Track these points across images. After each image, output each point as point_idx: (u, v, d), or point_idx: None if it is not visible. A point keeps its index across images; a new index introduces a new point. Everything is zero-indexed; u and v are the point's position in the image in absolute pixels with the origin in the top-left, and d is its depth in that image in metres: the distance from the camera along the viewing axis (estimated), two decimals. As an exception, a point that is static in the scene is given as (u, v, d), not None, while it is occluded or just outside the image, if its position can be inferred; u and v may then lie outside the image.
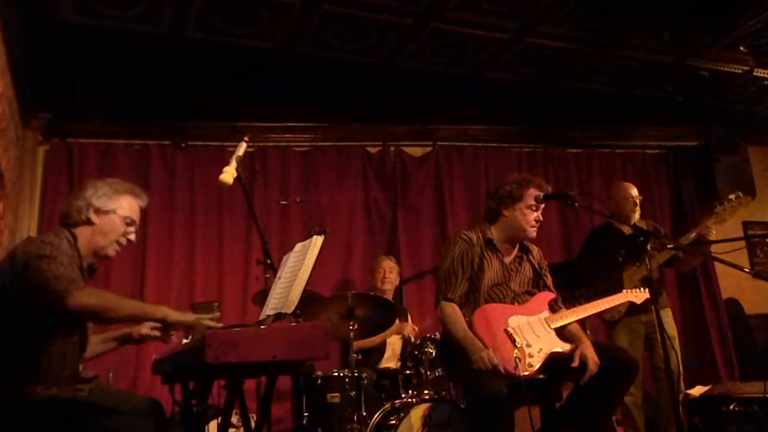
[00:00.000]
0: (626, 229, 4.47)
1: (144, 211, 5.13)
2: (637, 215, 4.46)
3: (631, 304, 3.68)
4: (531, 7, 4.64)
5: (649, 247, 4.35)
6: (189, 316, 2.34)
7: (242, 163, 2.53)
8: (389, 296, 4.77)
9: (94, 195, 2.48)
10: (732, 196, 4.13)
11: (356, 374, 3.73)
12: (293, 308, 2.27)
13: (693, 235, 4.15)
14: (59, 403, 2.23)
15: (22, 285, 2.22)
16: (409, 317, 4.85)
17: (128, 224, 2.54)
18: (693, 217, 6.12)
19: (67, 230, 2.44)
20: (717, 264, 5.93)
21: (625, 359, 3.00)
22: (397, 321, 4.34)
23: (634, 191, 4.51)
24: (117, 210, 2.51)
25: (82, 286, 2.22)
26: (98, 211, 2.47)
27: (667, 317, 4.34)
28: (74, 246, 2.40)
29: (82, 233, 2.45)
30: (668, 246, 4.02)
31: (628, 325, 4.38)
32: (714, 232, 4.13)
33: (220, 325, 2.31)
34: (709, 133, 6.36)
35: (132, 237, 2.56)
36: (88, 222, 2.46)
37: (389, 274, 4.84)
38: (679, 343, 5.84)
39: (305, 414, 3.79)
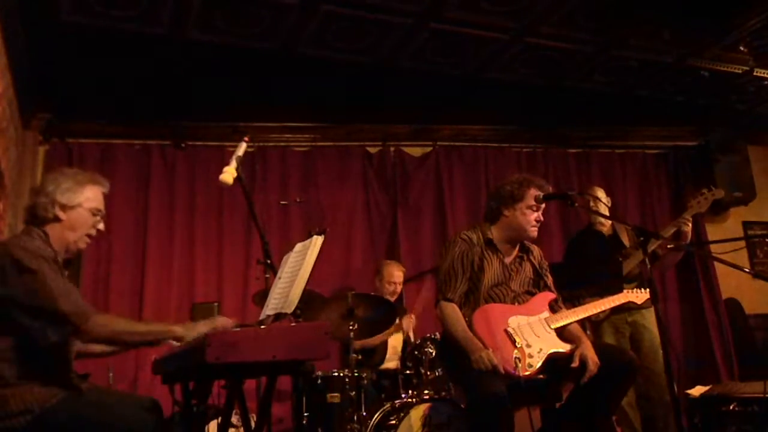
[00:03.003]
0: (606, 231, 4.60)
1: (144, 212, 5.20)
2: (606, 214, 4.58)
3: None
4: (531, 7, 4.65)
5: (628, 246, 4.43)
6: (194, 330, 2.30)
7: (242, 163, 2.53)
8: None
9: (57, 190, 2.43)
10: (705, 190, 4.26)
11: (356, 374, 3.73)
12: (293, 308, 2.27)
13: (671, 230, 4.19)
14: (58, 400, 2.23)
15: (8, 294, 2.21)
16: (408, 311, 4.84)
17: (95, 215, 2.51)
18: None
19: (38, 228, 2.41)
20: (717, 264, 5.94)
21: (625, 360, 2.99)
22: (397, 322, 4.35)
23: (600, 193, 4.63)
24: (83, 203, 2.47)
25: (85, 318, 2.20)
26: (64, 207, 2.43)
27: (651, 316, 4.34)
28: (47, 243, 2.38)
29: (52, 230, 2.42)
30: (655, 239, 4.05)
31: (613, 324, 4.41)
32: (690, 225, 4.16)
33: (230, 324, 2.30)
34: (709, 133, 6.36)
35: (101, 227, 2.53)
36: (56, 219, 2.42)
37: (399, 287, 4.79)
38: (679, 343, 5.92)
39: (305, 414, 3.79)
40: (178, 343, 2.35)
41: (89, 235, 2.51)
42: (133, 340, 2.38)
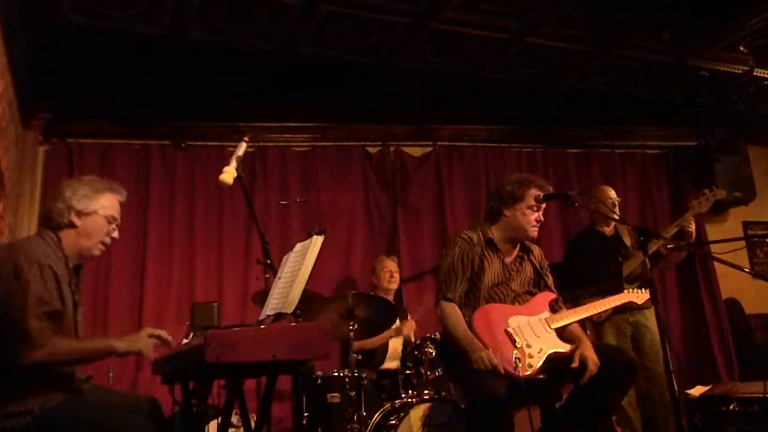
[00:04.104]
0: (608, 231, 4.60)
1: (144, 211, 5.21)
2: (615, 217, 4.53)
3: None
4: (531, 7, 4.64)
5: (630, 246, 4.43)
6: (136, 344, 2.36)
7: (242, 163, 2.53)
8: (392, 295, 4.82)
9: (73, 197, 2.46)
10: (706, 191, 4.31)
11: (356, 374, 3.73)
12: (293, 308, 2.27)
13: (673, 230, 4.19)
14: (58, 401, 2.24)
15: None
16: (410, 316, 4.86)
17: (110, 223, 2.53)
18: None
19: (52, 232, 2.43)
20: (717, 264, 5.94)
21: (625, 360, 2.99)
22: (397, 322, 4.35)
23: (613, 193, 4.61)
24: (99, 210, 2.49)
25: (42, 340, 2.20)
26: (80, 214, 2.46)
27: (653, 316, 4.34)
28: (59, 247, 2.40)
29: (66, 236, 2.44)
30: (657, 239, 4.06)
31: (615, 324, 4.40)
32: (693, 225, 4.18)
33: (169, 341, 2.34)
34: (709, 133, 6.36)
35: (115, 235, 2.56)
36: (71, 225, 2.45)
37: (395, 274, 4.87)
38: (679, 343, 5.92)
39: (305, 414, 3.80)
40: (187, 340, 2.37)
41: (103, 243, 2.53)
42: (73, 359, 2.35)
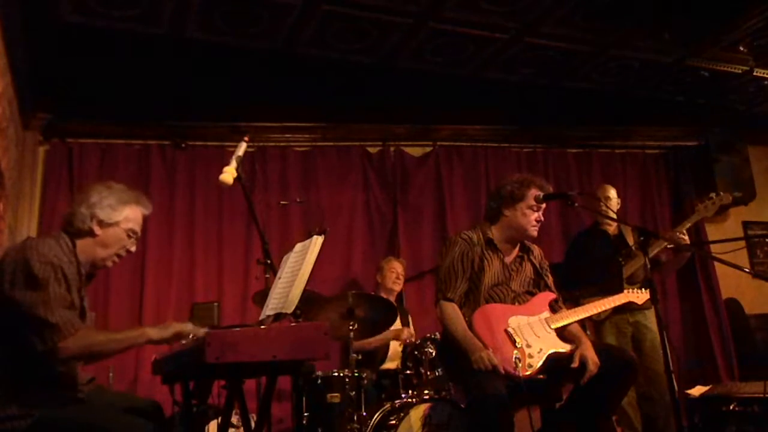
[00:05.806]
0: (611, 230, 4.61)
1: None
2: (613, 216, 4.52)
3: None
4: (531, 7, 4.65)
5: (633, 246, 4.44)
6: (168, 330, 2.36)
7: (242, 163, 2.53)
8: (394, 296, 4.83)
9: (98, 205, 2.44)
10: (712, 195, 4.34)
11: (356, 374, 3.73)
12: (293, 308, 2.27)
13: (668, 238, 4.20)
14: (58, 404, 2.24)
15: (9, 300, 2.22)
16: (410, 319, 4.86)
17: (130, 236, 2.52)
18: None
19: (67, 237, 2.42)
20: (717, 264, 5.93)
21: (625, 360, 3.00)
22: (398, 322, 4.35)
23: (612, 193, 4.61)
24: (121, 223, 2.48)
25: (73, 330, 2.20)
26: (102, 224, 2.44)
27: (653, 316, 4.35)
28: (72, 253, 2.39)
29: (84, 243, 2.43)
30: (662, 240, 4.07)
31: (615, 324, 4.41)
32: (686, 237, 4.20)
33: (203, 330, 2.32)
34: (709, 133, 6.36)
35: (132, 249, 2.55)
36: (91, 233, 2.43)
37: (401, 276, 4.89)
38: (679, 343, 5.92)
39: (305, 414, 3.79)
40: (183, 341, 2.36)
41: (118, 255, 2.52)
42: (111, 349, 2.36)
